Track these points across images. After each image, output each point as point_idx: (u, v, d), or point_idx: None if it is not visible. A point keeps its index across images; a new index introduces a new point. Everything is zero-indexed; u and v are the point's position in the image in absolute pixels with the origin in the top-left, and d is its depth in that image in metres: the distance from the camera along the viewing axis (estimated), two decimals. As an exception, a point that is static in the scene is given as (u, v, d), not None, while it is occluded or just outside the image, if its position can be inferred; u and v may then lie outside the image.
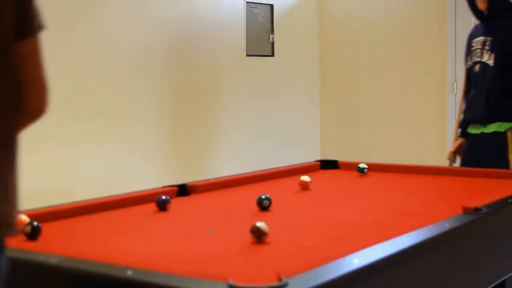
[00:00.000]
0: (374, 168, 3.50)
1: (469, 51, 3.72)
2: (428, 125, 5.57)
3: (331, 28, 6.04)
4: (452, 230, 1.95)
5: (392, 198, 2.77)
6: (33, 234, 1.98)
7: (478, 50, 3.63)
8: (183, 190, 2.82)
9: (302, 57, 5.84)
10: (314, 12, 6.02)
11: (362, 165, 3.39)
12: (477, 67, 3.62)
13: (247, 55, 5.28)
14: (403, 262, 1.72)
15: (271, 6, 5.52)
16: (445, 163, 5.19)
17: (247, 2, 5.30)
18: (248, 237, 1.90)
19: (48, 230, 2.08)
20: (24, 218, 2.07)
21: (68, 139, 4.06)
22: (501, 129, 3.51)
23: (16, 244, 1.91)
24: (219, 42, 5.06)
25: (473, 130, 3.63)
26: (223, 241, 1.98)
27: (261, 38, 5.42)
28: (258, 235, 1.88)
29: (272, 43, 5.50)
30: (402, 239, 1.81)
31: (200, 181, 3.02)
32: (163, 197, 2.49)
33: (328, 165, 3.56)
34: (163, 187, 2.84)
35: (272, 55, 5.51)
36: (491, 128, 3.53)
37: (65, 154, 4.05)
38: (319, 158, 3.89)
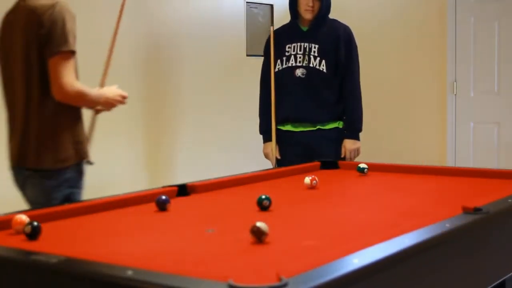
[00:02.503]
0: (374, 168, 3.50)
1: (280, 54, 3.99)
2: (428, 125, 5.58)
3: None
4: (452, 230, 1.95)
5: (392, 198, 2.76)
6: (33, 234, 1.98)
7: (300, 55, 3.95)
8: (183, 190, 2.82)
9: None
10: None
11: (362, 165, 3.39)
12: (298, 72, 3.95)
13: (247, 55, 5.28)
14: (403, 262, 1.72)
15: (271, 6, 5.52)
16: (445, 163, 5.21)
17: (247, 2, 5.30)
18: (248, 237, 1.90)
19: (48, 230, 2.08)
20: (24, 218, 2.07)
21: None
22: (340, 126, 4.03)
23: (16, 244, 1.91)
24: (219, 42, 5.06)
25: (301, 127, 3.99)
26: (223, 241, 1.98)
27: (261, 38, 5.41)
28: (258, 235, 1.88)
29: (272, 43, 5.49)
30: (402, 239, 1.81)
31: (200, 181, 3.01)
32: (163, 197, 2.49)
33: (328, 165, 3.56)
34: (163, 187, 2.84)
35: (272, 55, 5.51)
36: (331, 125, 3.99)
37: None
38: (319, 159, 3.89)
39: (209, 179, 3.09)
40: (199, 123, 4.95)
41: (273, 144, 4.00)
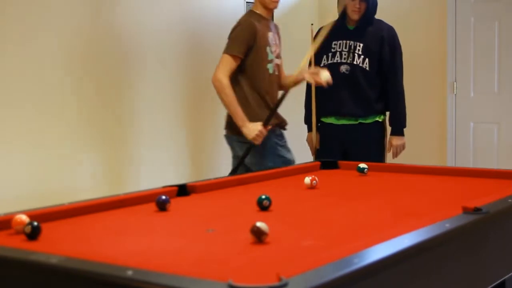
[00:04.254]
0: (374, 168, 3.50)
1: (327, 50, 4.19)
2: (428, 125, 5.57)
3: (331, 28, 6.03)
4: (452, 230, 1.95)
5: (392, 198, 2.77)
6: (33, 234, 1.98)
7: (345, 53, 4.16)
8: (183, 190, 2.82)
9: (302, 57, 5.82)
10: (314, 12, 6.02)
11: (362, 165, 3.39)
12: (343, 68, 4.16)
13: (247, 55, 5.27)
14: (403, 262, 1.72)
15: (271, 6, 5.51)
16: (445, 163, 5.21)
17: (247, 2, 5.29)
18: (248, 237, 1.90)
19: (48, 230, 2.08)
20: (24, 218, 2.07)
21: (68, 139, 4.06)
22: (381, 119, 4.22)
23: (16, 244, 1.91)
24: (219, 42, 5.05)
25: (343, 121, 4.20)
26: (223, 241, 1.98)
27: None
28: (258, 235, 1.88)
29: (272, 43, 5.48)
30: (402, 239, 1.81)
31: (200, 181, 3.01)
32: (163, 197, 2.49)
33: (328, 165, 3.56)
34: (163, 187, 2.84)
35: (272, 55, 5.50)
36: (372, 119, 4.17)
37: (65, 154, 4.05)
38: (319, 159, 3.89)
39: (209, 179, 3.09)
40: (199, 123, 4.95)
41: (313, 134, 4.27)
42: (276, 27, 4.01)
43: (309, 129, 4.36)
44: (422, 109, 5.57)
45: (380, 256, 1.63)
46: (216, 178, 3.12)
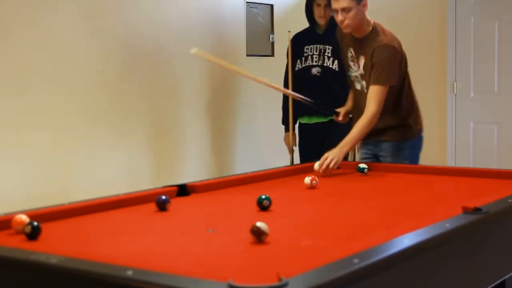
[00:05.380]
0: (374, 168, 3.50)
1: (299, 55, 4.48)
2: (428, 125, 5.56)
3: (331, 28, 6.03)
4: (452, 230, 1.95)
5: (392, 198, 2.77)
6: (33, 234, 1.98)
7: (316, 56, 4.44)
8: (183, 190, 2.82)
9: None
10: (314, 12, 6.01)
11: (362, 165, 3.39)
12: (314, 70, 4.44)
13: (247, 55, 5.27)
14: (403, 262, 1.72)
15: (271, 6, 5.52)
16: (445, 163, 5.21)
17: (247, 2, 5.30)
18: (248, 237, 1.90)
19: (48, 230, 2.08)
20: (24, 218, 2.07)
21: (68, 139, 4.06)
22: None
23: (16, 244, 1.91)
24: (219, 42, 5.06)
25: (315, 119, 4.47)
26: (223, 241, 1.98)
27: (261, 38, 5.42)
28: (258, 235, 1.88)
29: (272, 43, 5.49)
30: (402, 239, 1.81)
31: (200, 181, 3.01)
32: (163, 197, 2.49)
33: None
34: (163, 187, 2.84)
35: (272, 55, 5.50)
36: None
37: (65, 154, 4.05)
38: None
39: (209, 179, 3.10)
40: (199, 123, 4.95)
41: (290, 134, 4.52)
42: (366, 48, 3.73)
43: (286, 129, 4.58)
44: (422, 109, 5.56)
45: (380, 256, 1.63)
46: (216, 178, 3.12)
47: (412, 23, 5.62)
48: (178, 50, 4.73)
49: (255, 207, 2.43)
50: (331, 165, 3.28)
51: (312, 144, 4.47)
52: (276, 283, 1.39)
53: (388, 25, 5.82)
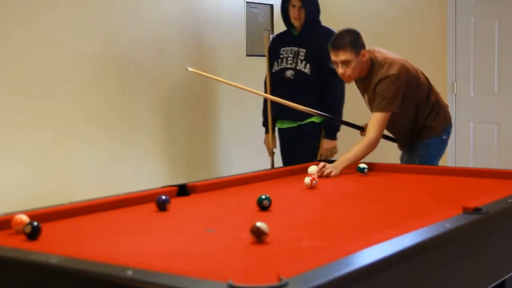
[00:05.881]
0: (374, 168, 3.50)
1: (276, 57, 4.40)
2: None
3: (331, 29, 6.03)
4: (452, 230, 1.95)
5: (392, 198, 2.77)
6: (33, 234, 1.98)
7: (290, 58, 4.34)
8: (183, 190, 2.82)
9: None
10: (314, 12, 6.01)
11: (362, 165, 3.39)
12: (288, 73, 4.34)
13: (247, 55, 5.28)
14: (403, 262, 1.72)
15: (271, 6, 5.52)
16: (445, 163, 5.20)
17: (247, 2, 5.30)
18: (248, 237, 1.90)
19: (48, 230, 2.08)
20: (24, 218, 2.07)
21: (68, 139, 4.06)
22: (317, 120, 4.30)
23: (16, 244, 1.91)
24: (219, 42, 5.06)
25: (286, 124, 4.43)
26: (223, 241, 1.98)
27: (261, 38, 5.41)
28: (258, 235, 1.88)
29: (272, 43, 5.49)
30: (402, 239, 1.81)
31: (200, 181, 3.01)
32: (163, 197, 2.49)
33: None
34: (163, 187, 2.84)
35: (272, 55, 5.50)
36: (308, 120, 4.28)
37: (65, 155, 4.05)
38: (319, 158, 3.89)
39: (209, 179, 3.10)
40: (198, 123, 4.95)
41: (269, 137, 4.47)
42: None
43: (267, 131, 4.54)
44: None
45: (380, 256, 1.63)
46: (216, 178, 3.12)
47: (412, 23, 5.62)
48: (178, 50, 4.73)
49: (255, 207, 2.43)
50: (325, 172, 3.29)
51: (283, 146, 4.48)
52: (276, 283, 1.39)
53: (388, 25, 5.85)
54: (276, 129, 4.54)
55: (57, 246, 1.91)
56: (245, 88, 4.04)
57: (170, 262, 1.71)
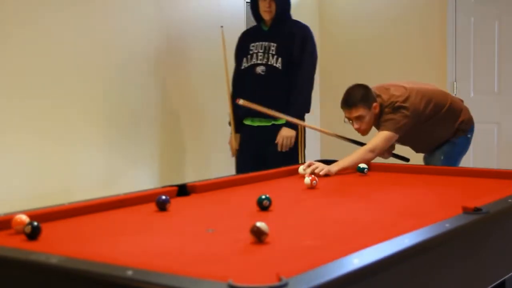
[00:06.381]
0: (374, 168, 3.50)
1: (245, 53, 4.25)
2: (428, 125, 5.56)
3: (331, 28, 6.04)
4: (452, 230, 1.95)
5: (392, 198, 2.77)
6: (33, 234, 1.98)
7: (261, 54, 4.19)
8: (183, 190, 2.82)
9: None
10: (314, 12, 6.03)
11: (362, 165, 3.39)
12: (259, 69, 4.18)
13: (247, 55, 5.27)
14: (403, 262, 1.72)
15: (271, 6, 5.51)
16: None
17: (247, 2, 5.29)
18: (248, 237, 1.90)
19: (48, 230, 2.08)
20: (24, 218, 2.07)
21: (68, 139, 4.06)
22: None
23: (16, 244, 1.91)
24: (219, 42, 5.05)
25: (258, 122, 4.24)
26: (223, 241, 1.98)
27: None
28: (258, 235, 1.88)
29: (272, 43, 5.48)
30: (402, 239, 1.81)
31: (200, 181, 3.01)
32: (163, 197, 2.49)
33: (328, 165, 3.55)
34: (163, 187, 2.84)
35: (272, 55, 5.50)
36: (283, 120, 4.11)
37: (65, 155, 4.05)
38: (319, 158, 3.89)
39: (209, 179, 3.09)
40: (198, 123, 4.95)
41: (232, 136, 4.34)
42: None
43: (231, 131, 4.39)
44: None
45: (380, 256, 1.63)
46: (216, 178, 3.12)
47: (412, 23, 5.62)
48: (179, 50, 4.73)
49: (255, 207, 2.43)
50: (317, 170, 3.28)
51: (254, 145, 4.28)
52: (276, 283, 1.39)
53: (388, 25, 5.85)
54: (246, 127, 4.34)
55: (57, 246, 1.91)
56: (310, 126, 4.03)
57: (170, 262, 1.71)
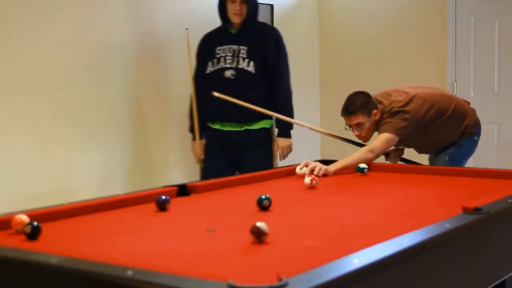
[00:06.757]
0: (374, 168, 3.50)
1: (211, 57, 4.10)
2: (428, 125, 5.56)
3: (331, 28, 6.04)
4: (452, 230, 1.95)
5: (392, 198, 2.77)
6: (33, 234, 1.98)
7: (229, 57, 4.05)
8: (183, 190, 2.83)
9: (302, 57, 5.84)
10: (314, 12, 6.02)
11: (362, 165, 3.39)
12: (227, 73, 4.05)
13: (247, 55, 5.27)
14: (403, 262, 1.72)
15: (271, 6, 5.51)
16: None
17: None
18: (248, 237, 1.90)
19: (48, 230, 2.08)
20: (24, 218, 2.07)
21: (68, 139, 4.06)
22: (268, 125, 4.13)
23: (16, 244, 1.91)
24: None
25: (228, 127, 4.10)
26: (223, 241, 1.98)
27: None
28: (258, 235, 1.88)
29: (272, 43, 5.48)
30: (402, 239, 1.81)
31: (200, 181, 3.01)
32: (163, 197, 2.49)
33: (328, 165, 3.55)
34: (163, 187, 2.84)
35: (272, 55, 5.50)
36: (258, 125, 4.08)
37: (65, 154, 4.05)
38: (319, 158, 3.89)
39: (209, 179, 3.09)
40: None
41: (197, 143, 4.17)
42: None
43: (194, 138, 4.23)
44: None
45: (380, 256, 1.63)
46: (216, 178, 3.12)
47: (412, 23, 5.62)
48: (179, 49, 4.72)
49: (255, 207, 2.43)
50: (315, 171, 3.28)
51: (226, 150, 4.12)
52: (276, 283, 1.39)
53: (388, 25, 5.84)
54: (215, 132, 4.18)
55: (57, 246, 1.91)
56: (299, 123, 3.97)
57: (170, 262, 1.71)
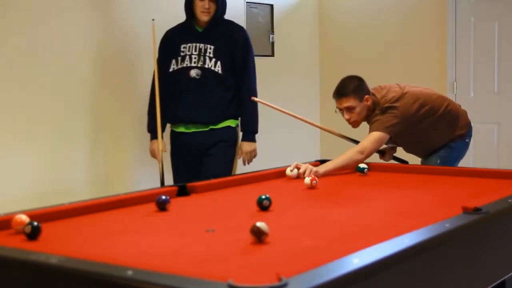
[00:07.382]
0: (374, 168, 3.50)
1: (175, 54, 3.92)
2: (428, 125, 5.56)
3: (331, 28, 6.04)
4: (452, 230, 1.95)
5: (392, 198, 2.77)
6: (33, 234, 1.98)
7: (195, 56, 3.89)
8: (183, 190, 2.82)
9: (302, 57, 5.84)
10: (314, 12, 6.03)
11: (362, 165, 3.39)
12: (193, 72, 3.89)
13: (247, 55, 5.27)
14: (403, 262, 1.72)
15: (271, 6, 5.52)
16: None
17: (247, 2, 5.30)
18: (248, 237, 1.90)
19: (48, 230, 2.08)
20: (24, 218, 2.07)
21: (67, 139, 4.06)
22: (233, 125, 4.00)
23: (16, 244, 1.91)
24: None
25: (193, 129, 3.95)
26: (223, 241, 1.98)
27: (261, 38, 5.42)
28: (258, 235, 1.88)
29: (272, 43, 5.50)
30: (402, 239, 1.81)
31: (200, 181, 3.01)
32: (163, 197, 2.49)
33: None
34: (163, 187, 2.84)
35: (272, 55, 5.51)
36: (223, 124, 3.95)
37: (65, 155, 4.05)
38: (319, 158, 3.89)
39: (209, 179, 3.09)
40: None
41: (159, 141, 3.95)
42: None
43: (153, 137, 4.04)
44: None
45: (380, 256, 1.63)
46: (216, 178, 3.12)
47: (412, 23, 5.62)
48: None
49: (255, 207, 2.43)
50: (307, 172, 3.24)
51: (191, 152, 3.97)
52: (276, 283, 1.39)
53: (388, 25, 5.85)
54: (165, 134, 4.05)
55: (57, 246, 1.91)
56: (301, 118, 3.92)
57: (170, 262, 1.71)
